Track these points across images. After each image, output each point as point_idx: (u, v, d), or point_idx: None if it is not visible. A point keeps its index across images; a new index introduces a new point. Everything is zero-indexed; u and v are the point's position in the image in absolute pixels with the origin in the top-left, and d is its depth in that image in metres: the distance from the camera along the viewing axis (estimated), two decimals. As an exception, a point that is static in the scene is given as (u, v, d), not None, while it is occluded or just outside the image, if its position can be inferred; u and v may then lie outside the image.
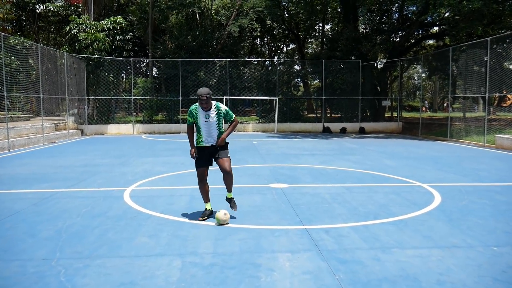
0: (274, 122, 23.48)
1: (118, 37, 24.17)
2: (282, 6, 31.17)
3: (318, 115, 25.84)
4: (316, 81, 33.90)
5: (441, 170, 9.71)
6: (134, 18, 32.50)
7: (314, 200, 6.68)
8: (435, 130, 21.26)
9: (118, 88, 25.89)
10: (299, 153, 13.17)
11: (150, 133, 22.98)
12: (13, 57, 23.99)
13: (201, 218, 5.59)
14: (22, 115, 23.78)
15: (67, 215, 5.95)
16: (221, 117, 5.61)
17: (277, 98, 23.47)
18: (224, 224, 5.34)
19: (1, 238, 4.94)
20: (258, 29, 32.79)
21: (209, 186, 5.80)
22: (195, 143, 5.69)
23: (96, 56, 22.53)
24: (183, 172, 9.53)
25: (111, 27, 23.78)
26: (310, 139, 18.68)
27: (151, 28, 28.31)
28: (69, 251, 4.50)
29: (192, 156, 5.63)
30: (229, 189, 5.81)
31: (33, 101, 29.55)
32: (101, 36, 22.70)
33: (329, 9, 32.59)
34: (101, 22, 24.08)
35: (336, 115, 27.00)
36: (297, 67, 30.05)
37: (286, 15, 33.06)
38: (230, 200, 5.87)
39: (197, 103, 5.53)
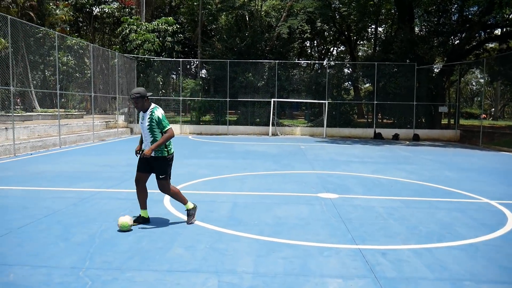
0: (322, 126, 22.74)
1: (168, 38, 24.38)
2: (333, 7, 30.33)
3: (369, 120, 24.81)
4: (367, 85, 32.76)
5: (510, 186, 8.70)
6: (185, 20, 32.81)
7: (367, 215, 6.03)
8: (498, 140, 19.70)
9: (167, 88, 26.12)
10: (348, 160, 12.45)
11: (197, 133, 22.94)
12: (69, 56, 24.82)
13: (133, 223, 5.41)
14: (75, 113, 24.50)
15: (103, 218, 5.68)
16: (154, 125, 5.16)
17: (326, 101, 22.71)
18: (123, 228, 5.07)
19: (33, 241, 4.71)
20: (308, 31, 32.10)
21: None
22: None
23: (146, 56, 22.79)
24: (226, 176, 9.14)
25: (161, 28, 24.01)
26: (361, 145, 17.82)
27: (201, 29, 28.39)
28: (99, 260, 4.17)
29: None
30: (182, 202, 5.46)
31: (88, 99, 30.51)
32: (151, 37, 22.95)
33: (383, 10, 31.39)
34: (152, 23, 24.38)
35: (388, 121, 25.81)
36: (347, 70, 29.11)
37: (338, 16, 32.17)
38: (187, 212, 5.50)
39: None
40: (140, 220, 5.42)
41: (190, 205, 5.45)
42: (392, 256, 4.37)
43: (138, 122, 4.97)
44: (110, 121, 21.30)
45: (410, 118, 23.15)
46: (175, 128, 23.21)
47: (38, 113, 19.85)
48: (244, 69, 24.15)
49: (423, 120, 24.27)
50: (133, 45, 22.70)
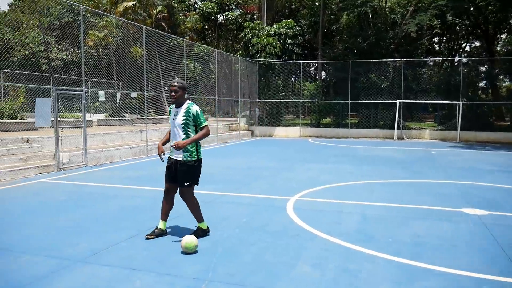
0: (455, 129, 20.55)
1: (288, 41, 24.36)
2: (467, -2, 27.34)
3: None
4: (507, 83, 29.01)
5: None
6: (305, 22, 32.61)
7: (531, 239, 4.94)
8: None
9: (287, 91, 26.17)
10: (492, 169, 10.84)
11: (317, 136, 22.48)
12: (196, 63, 26.29)
13: (147, 236, 4.89)
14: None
15: (226, 224, 5.53)
16: (190, 120, 4.70)
17: (460, 102, 20.47)
18: (190, 252, 4.41)
19: (160, 245, 4.69)
20: (438, 26, 29.46)
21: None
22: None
23: (268, 60, 23.03)
24: (351, 183, 8.50)
25: (282, 32, 24.09)
26: (504, 152, 15.59)
27: (322, 30, 27.89)
28: (222, 271, 3.94)
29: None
30: (197, 219, 4.98)
31: (212, 102, 32.11)
32: (273, 40, 23.13)
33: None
34: (273, 26, 24.59)
35: (538, 124, 22.42)
36: (482, 68, 26.02)
37: (472, 8, 28.96)
38: (197, 228, 5.02)
39: None
40: (157, 233, 4.93)
41: (204, 225, 5.00)
42: None
43: (169, 118, 4.76)
44: (232, 124, 21.95)
45: None
46: (295, 131, 23.05)
47: (168, 116, 21.29)
48: (367, 70, 23.05)
49: None
50: (255, 49, 23.13)
